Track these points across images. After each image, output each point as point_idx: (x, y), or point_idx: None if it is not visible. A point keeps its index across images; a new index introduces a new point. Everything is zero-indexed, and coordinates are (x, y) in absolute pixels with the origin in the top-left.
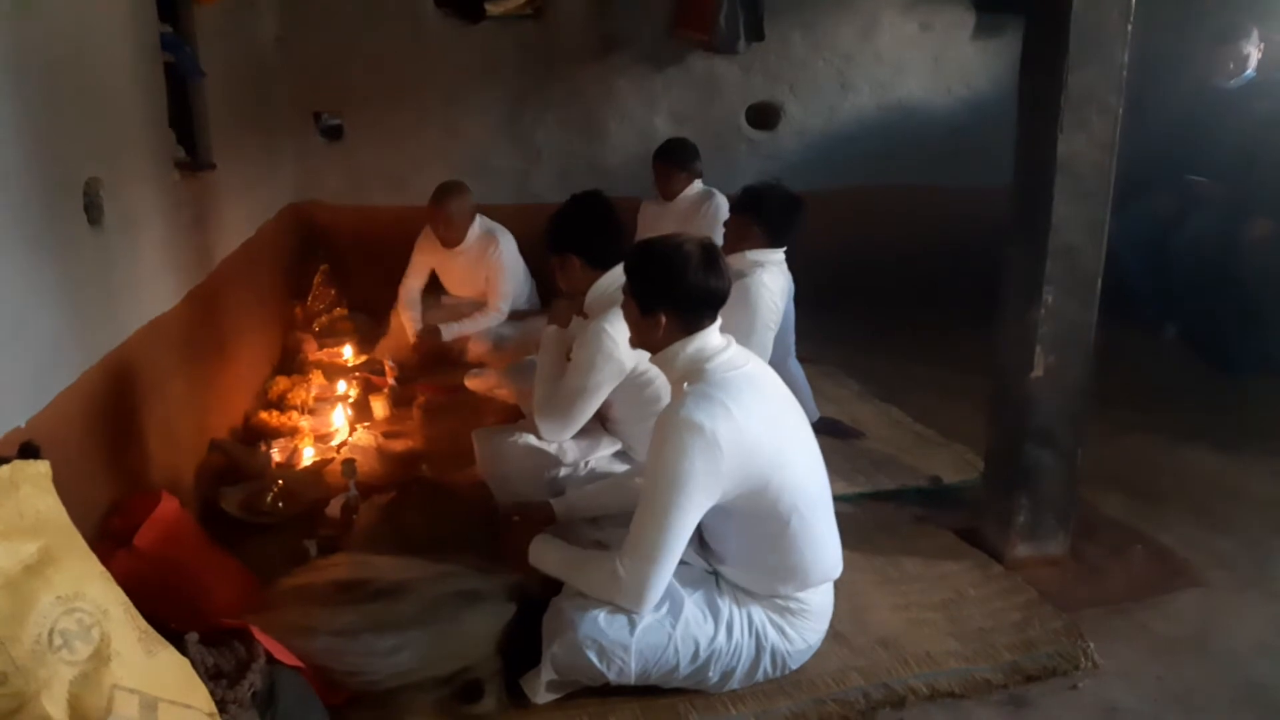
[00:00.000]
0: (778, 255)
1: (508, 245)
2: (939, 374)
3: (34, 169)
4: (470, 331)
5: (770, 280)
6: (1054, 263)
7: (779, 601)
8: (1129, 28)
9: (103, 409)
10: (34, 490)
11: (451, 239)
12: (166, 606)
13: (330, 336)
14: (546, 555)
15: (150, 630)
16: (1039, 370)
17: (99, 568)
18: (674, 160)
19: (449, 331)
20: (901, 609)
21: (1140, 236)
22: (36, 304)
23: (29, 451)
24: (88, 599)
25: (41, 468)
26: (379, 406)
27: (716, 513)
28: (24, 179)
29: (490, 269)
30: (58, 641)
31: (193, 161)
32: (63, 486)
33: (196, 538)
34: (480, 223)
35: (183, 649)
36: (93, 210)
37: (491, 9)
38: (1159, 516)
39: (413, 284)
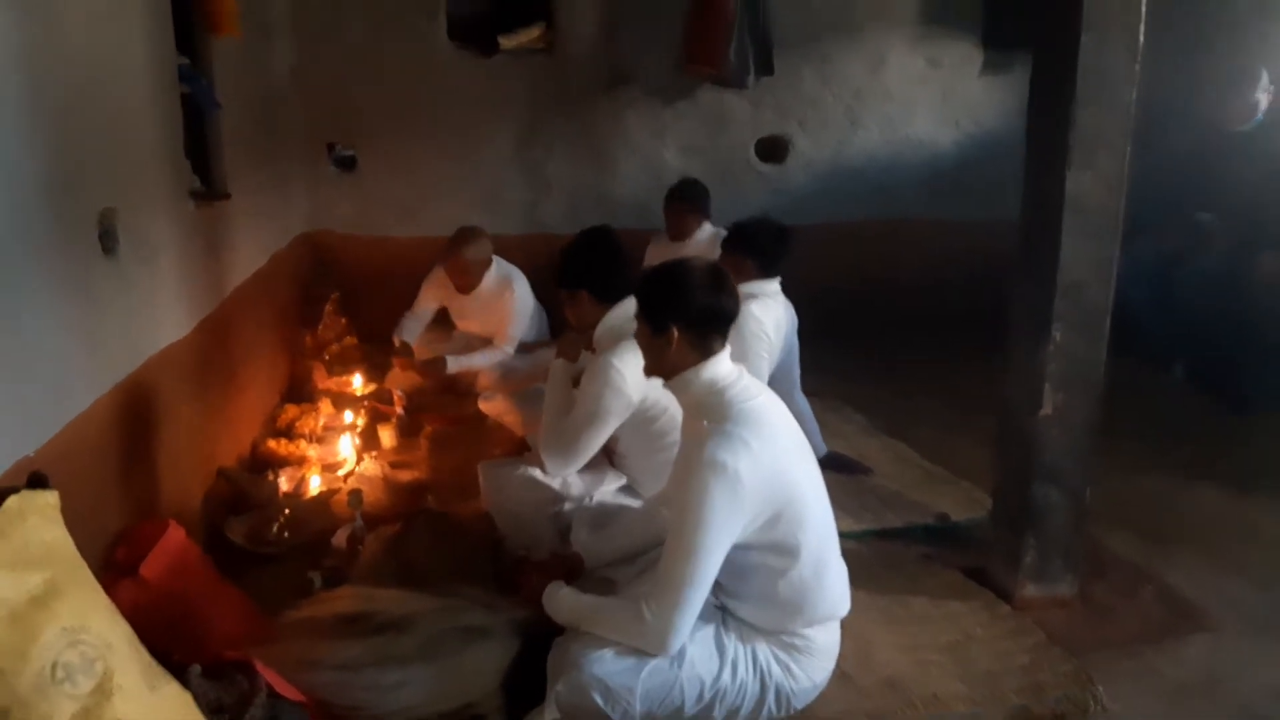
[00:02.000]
0: (771, 286)
1: (522, 290)
2: (947, 409)
3: (49, 199)
4: (476, 366)
5: (760, 311)
6: (1062, 300)
7: (785, 638)
8: (1137, 67)
9: (113, 437)
10: (41, 521)
11: (467, 285)
12: (171, 637)
13: (340, 365)
14: (561, 603)
15: (154, 664)
16: (1047, 408)
17: (104, 600)
18: (688, 201)
19: (455, 364)
20: (908, 650)
21: (1148, 273)
22: (49, 333)
23: (37, 481)
24: (92, 632)
25: (50, 498)
26: (387, 436)
27: (732, 547)
28: (39, 209)
29: (503, 314)
30: (60, 675)
31: (207, 191)
32: (72, 515)
33: (202, 568)
34: (497, 266)
35: (185, 681)
36: (107, 239)
37: (505, 42)
38: (1169, 557)
39: (416, 317)
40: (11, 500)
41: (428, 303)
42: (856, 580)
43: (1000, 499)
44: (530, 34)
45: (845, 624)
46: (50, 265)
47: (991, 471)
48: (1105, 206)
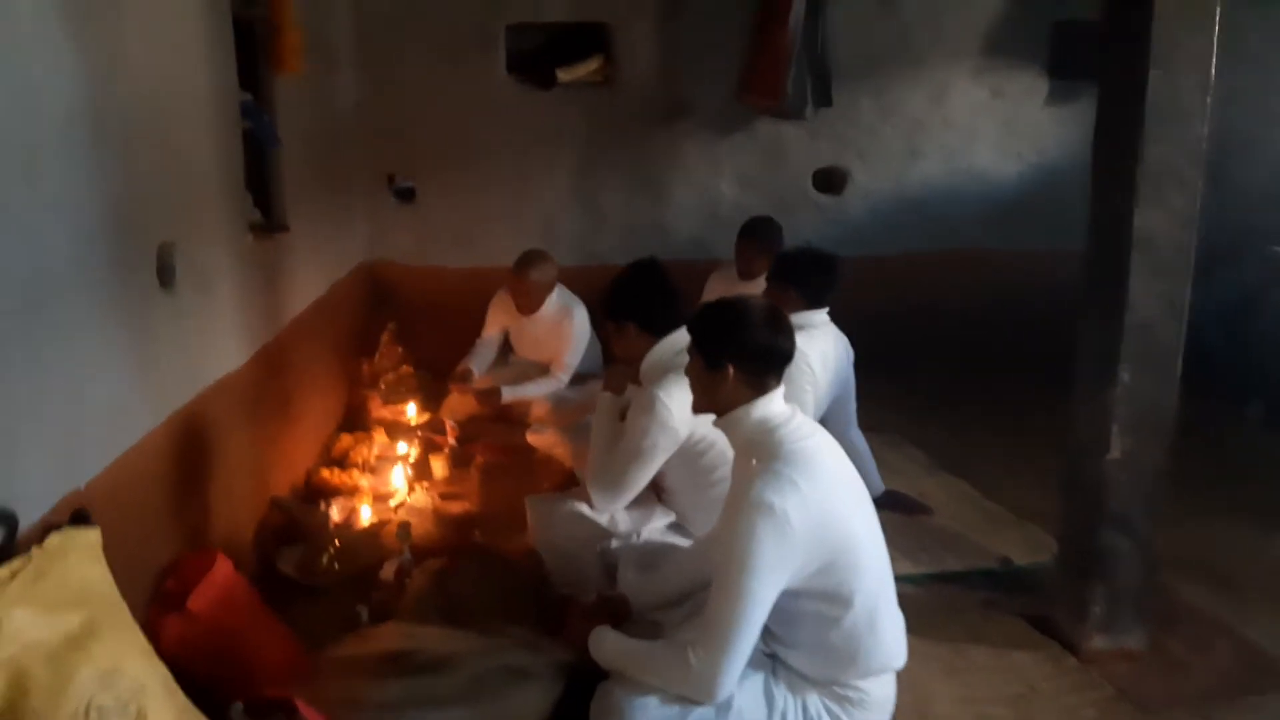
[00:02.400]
0: (820, 317)
1: (581, 319)
2: (1011, 446)
3: (109, 233)
4: (530, 396)
5: (804, 344)
6: (1130, 340)
7: (837, 690)
8: (1208, 100)
9: (165, 468)
10: (82, 559)
11: (528, 307)
12: (215, 672)
13: (395, 394)
14: (607, 647)
15: (189, 707)
16: (1115, 452)
17: (141, 641)
18: (763, 242)
19: (509, 393)
20: (967, 702)
21: (1225, 309)
22: (103, 365)
23: (80, 518)
24: (127, 674)
25: (92, 536)
26: (438, 466)
27: (781, 594)
28: (98, 243)
29: (561, 340)
30: (94, 717)
31: (267, 224)
32: (121, 547)
33: (249, 601)
34: (559, 293)
35: (227, 718)
36: (165, 273)
37: (562, 76)
38: (1246, 608)
39: (485, 344)
40: (53, 538)
41: (493, 326)
42: (914, 627)
43: (1066, 546)
44: (588, 67)
45: (901, 674)
46: (107, 298)
47: (1057, 515)
48: (1176, 243)
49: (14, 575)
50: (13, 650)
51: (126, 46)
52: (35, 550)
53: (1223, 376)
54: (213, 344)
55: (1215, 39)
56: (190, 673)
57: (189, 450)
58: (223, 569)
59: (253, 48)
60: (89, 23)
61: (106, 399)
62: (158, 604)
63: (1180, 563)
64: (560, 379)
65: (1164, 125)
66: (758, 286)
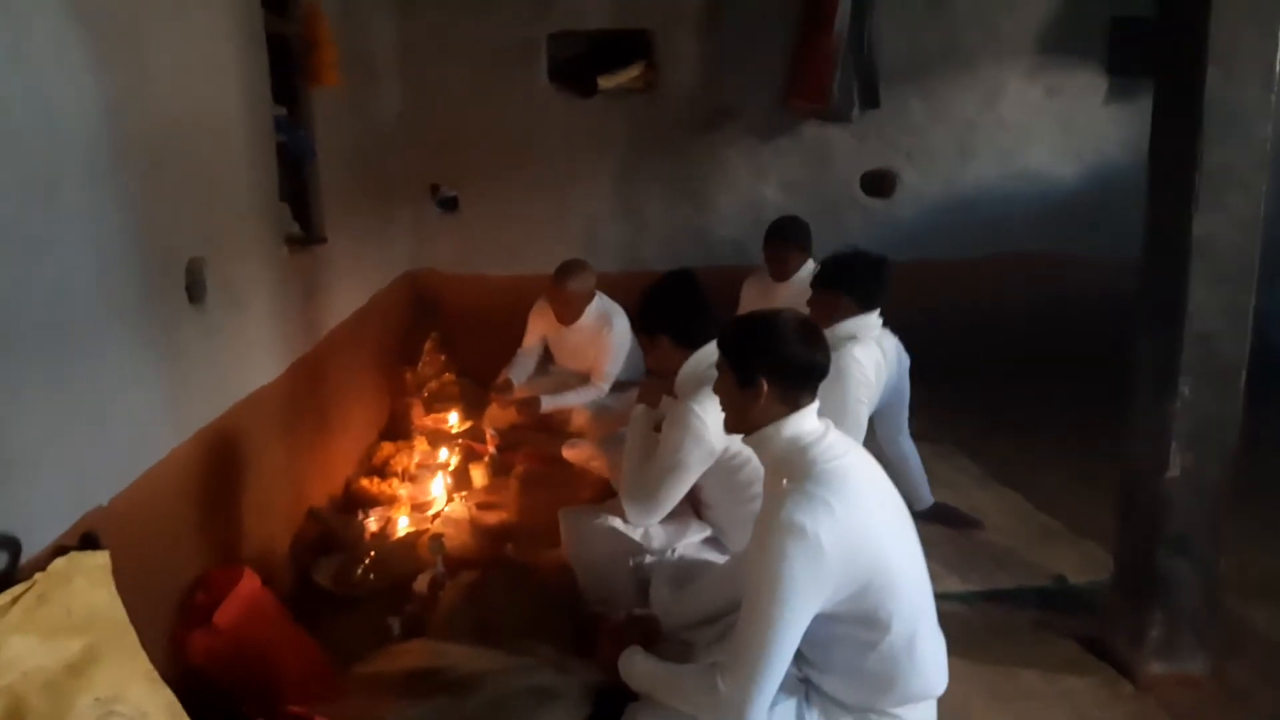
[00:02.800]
0: (872, 322)
1: (621, 327)
2: (1068, 458)
3: (136, 249)
4: (569, 405)
5: (862, 354)
6: (1190, 352)
7: (874, 717)
8: (1272, 98)
9: (195, 482)
10: (88, 583)
11: (568, 317)
12: (241, 686)
13: (437, 402)
14: (636, 669)
15: None
16: (1174, 470)
17: (145, 666)
18: (792, 239)
19: (549, 403)
20: None
21: None
22: (129, 381)
23: (89, 541)
24: (128, 701)
25: (99, 559)
26: (478, 475)
27: (815, 618)
28: (125, 259)
29: (601, 349)
30: None
31: (305, 236)
32: (146, 562)
33: (276, 616)
34: (599, 302)
35: None
36: (195, 289)
37: (604, 83)
38: None
39: (527, 353)
40: (58, 562)
41: (534, 336)
42: (961, 648)
43: (1123, 567)
44: (629, 74)
45: (946, 698)
46: (133, 316)
47: (1115, 531)
48: (1238, 250)
49: (15, 601)
50: (10, 678)
51: (150, 67)
52: (39, 576)
53: None
54: (245, 358)
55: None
56: (217, 686)
57: (219, 464)
58: (250, 584)
59: (289, 62)
60: (108, 45)
61: (131, 416)
62: (185, 618)
63: (1248, 585)
64: (600, 388)
65: (1224, 126)
66: (793, 288)
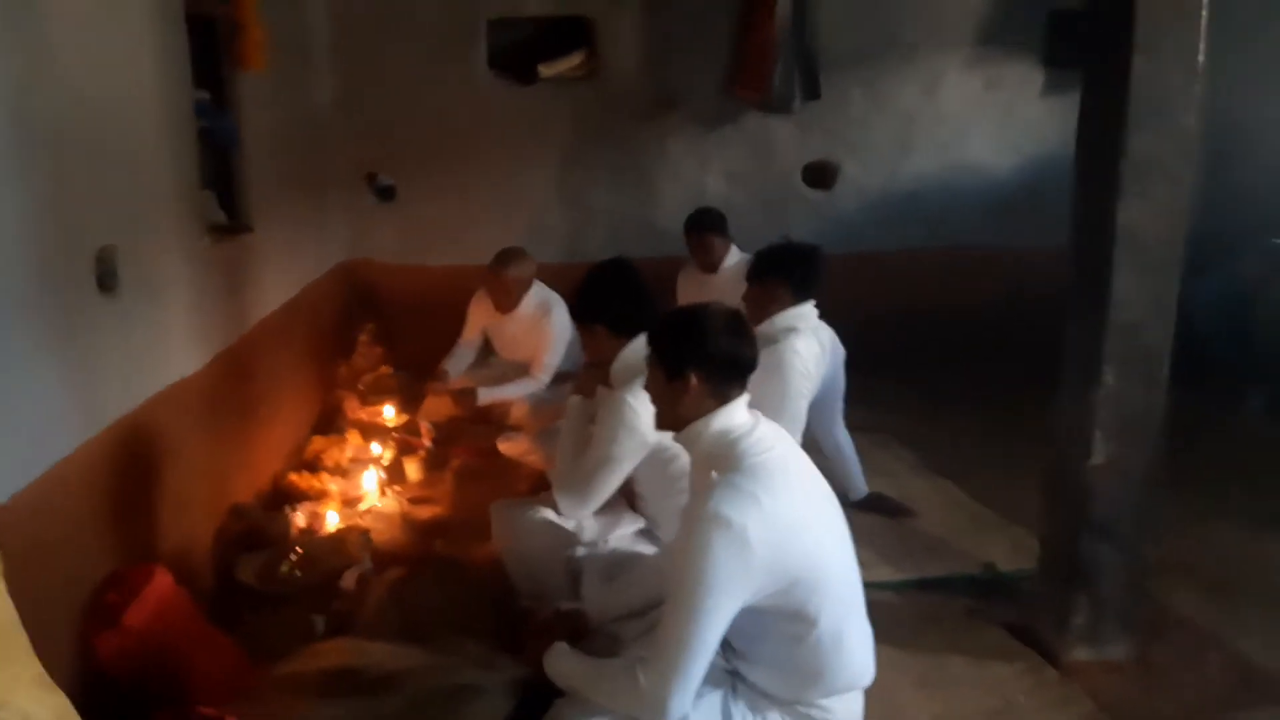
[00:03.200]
0: (808, 312)
1: (560, 316)
2: (1004, 448)
3: (39, 238)
4: (507, 397)
5: (803, 346)
6: (1114, 340)
7: (801, 709)
8: (1197, 89)
9: (107, 477)
10: None
11: (506, 305)
12: (152, 687)
13: (373, 395)
14: (560, 666)
15: None
16: (1098, 458)
17: (34, 671)
18: (711, 228)
19: (486, 394)
20: (942, 718)
21: (1223, 301)
22: (32, 375)
23: None
24: (11, 707)
25: None
26: (412, 469)
27: (743, 610)
28: (27, 248)
29: (540, 339)
30: None
31: (230, 225)
32: (51, 560)
33: (189, 616)
34: (538, 290)
35: None
36: (106, 278)
37: (545, 71)
38: (1239, 618)
39: (467, 345)
40: None
41: (473, 328)
42: (891, 636)
43: (1048, 553)
44: (571, 62)
45: (874, 687)
46: (37, 304)
47: (1041, 523)
48: (1163, 239)
49: None
50: None
51: (52, 48)
52: None
53: (1221, 370)
54: (163, 349)
55: (1204, 24)
56: (127, 688)
57: (133, 459)
58: (162, 582)
59: (214, 45)
60: (7, 18)
61: (33, 410)
62: (94, 618)
63: (1171, 569)
64: (540, 379)
65: (1149, 115)
66: (724, 277)
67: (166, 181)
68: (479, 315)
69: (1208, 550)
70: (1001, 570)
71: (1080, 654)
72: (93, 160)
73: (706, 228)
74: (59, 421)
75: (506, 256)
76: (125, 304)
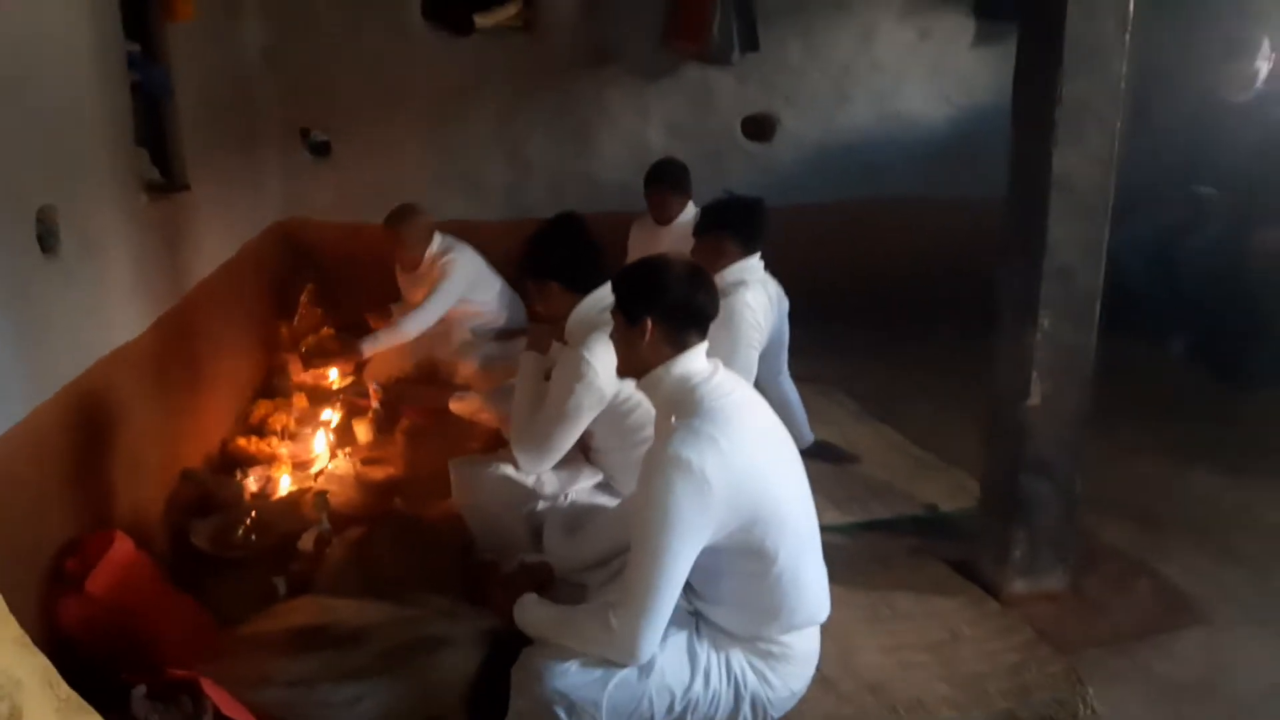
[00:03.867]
0: (755, 264)
1: (455, 260)
2: (941, 392)
3: None
4: (390, 343)
5: (753, 298)
6: (1049, 285)
7: (761, 645)
8: (1127, 38)
9: (58, 444)
10: None
11: (409, 262)
12: (119, 653)
13: (316, 358)
14: (530, 615)
15: (73, 698)
16: (1035, 398)
17: (14, 632)
18: (671, 183)
19: (369, 344)
20: (892, 650)
21: (1147, 248)
22: None
23: None
24: None
25: None
26: (362, 431)
27: (703, 550)
28: None
29: (434, 275)
30: None
31: (165, 182)
32: (8, 528)
33: (152, 580)
34: (440, 241)
35: (127, 703)
36: (47, 239)
37: (481, 21)
38: (1164, 546)
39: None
40: None
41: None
42: (840, 576)
43: (988, 491)
44: (507, 12)
45: (826, 624)
46: None
47: (981, 462)
48: (1095, 185)
49: None
50: None
51: None
52: None
53: (1147, 315)
54: (107, 312)
55: None
56: (92, 655)
57: (85, 424)
58: (123, 548)
59: None
60: None
61: None
62: (57, 585)
63: (1103, 503)
64: (424, 310)
65: (1082, 63)
66: (676, 231)
67: (102, 137)
68: (398, 275)
69: (1134, 484)
70: (943, 510)
71: (1019, 586)
72: (26, 114)
73: (663, 179)
74: (9, 387)
75: (397, 214)
76: (68, 265)
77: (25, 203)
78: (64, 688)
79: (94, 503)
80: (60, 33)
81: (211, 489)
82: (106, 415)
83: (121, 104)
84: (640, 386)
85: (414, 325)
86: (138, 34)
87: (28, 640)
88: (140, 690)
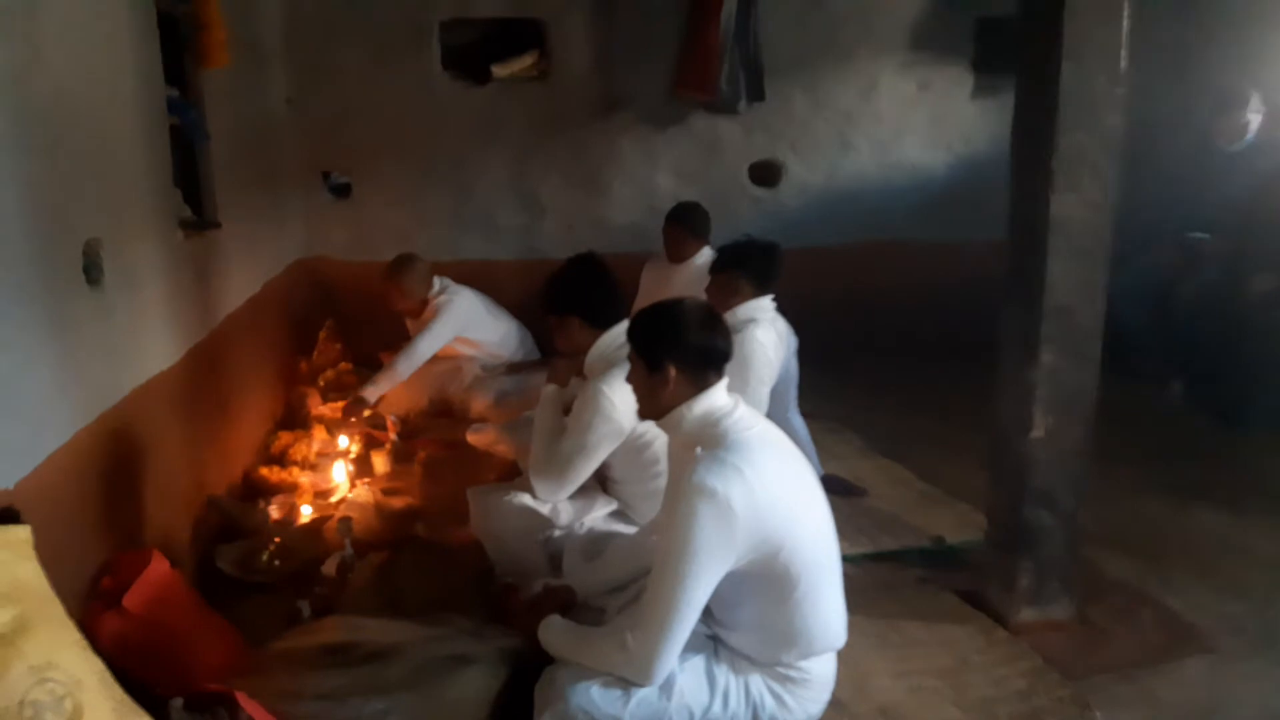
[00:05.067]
0: (767, 305)
1: (454, 298)
2: (943, 430)
3: (31, 230)
4: (388, 382)
5: (763, 335)
6: (1050, 323)
7: (780, 669)
8: (1119, 91)
9: (97, 468)
10: (12, 556)
11: (411, 310)
12: (154, 669)
13: (334, 391)
14: (554, 635)
15: (126, 700)
16: (1038, 431)
17: (75, 635)
18: (688, 225)
19: (372, 391)
20: (903, 676)
21: (1143, 292)
22: (29, 365)
23: (9, 516)
24: (61, 669)
25: (21, 533)
26: (380, 462)
27: (724, 577)
28: (18, 242)
29: (429, 314)
30: (29, 713)
31: (198, 220)
32: (51, 547)
33: (186, 598)
34: (437, 284)
35: (166, 715)
36: (92, 271)
37: (498, 71)
38: (1166, 578)
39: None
40: None
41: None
42: (850, 604)
43: (994, 522)
44: (523, 63)
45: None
46: (31, 297)
47: (986, 494)
48: (1091, 229)
49: None
50: None
51: (44, 42)
52: None
53: (1142, 359)
54: (143, 342)
55: (1125, 31)
56: (128, 671)
57: (120, 450)
58: (159, 567)
59: (178, 43)
60: None
61: (33, 398)
62: (94, 602)
63: (1105, 537)
64: (412, 349)
65: (1077, 115)
66: (688, 271)
67: (144, 175)
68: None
69: (1136, 520)
70: (949, 542)
71: (1026, 615)
72: (79, 152)
73: (680, 221)
74: (56, 411)
75: (395, 265)
76: (110, 297)
77: (74, 235)
78: (118, 689)
79: (127, 525)
80: (110, 73)
81: (235, 516)
82: (140, 441)
83: (162, 145)
84: (661, 426)
85: (405, 364)
86: (176, 79)
87: (86, 644)
88: (178, 702)
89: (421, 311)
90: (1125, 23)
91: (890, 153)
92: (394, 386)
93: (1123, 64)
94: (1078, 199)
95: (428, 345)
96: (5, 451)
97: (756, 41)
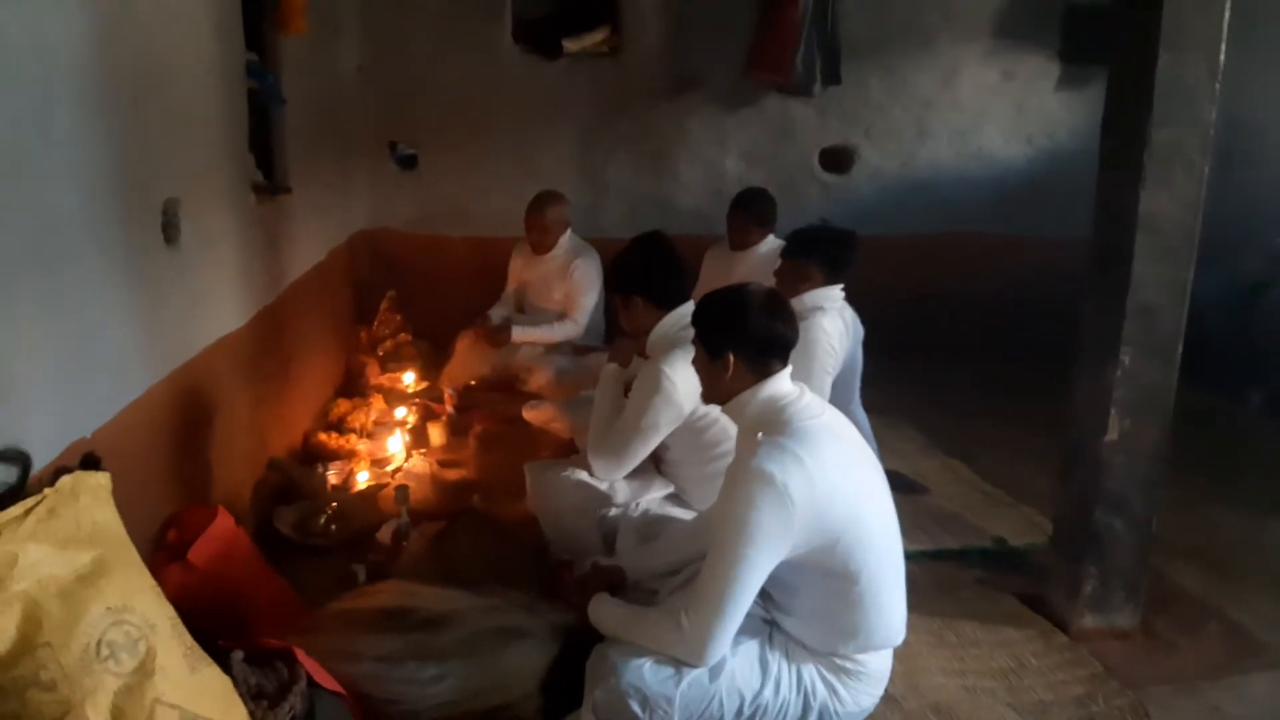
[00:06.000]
0: (836, 294)
1: (589, 264)
2: (1010, 431)
3: (115, 187)
4: (541, 337)
5: (829, 324)
6: (1132, 323)
7: (836, 660)
8: (1217, 86)
9: (167, 423)
10: (93, 501)
11: (543, 245)
12: (215, 622)
13: (393, 361)
14: (605, 614)
15: (196, 647)
16: (1114, 434)
17: (150, 581)
18: (755, 213)
19: (520, 333)
20: (958, 675)
21: (1226, 299)
22: (109, 318)
23: (90, 463)
24: (136, 612)
25: (102, 479)
26: (436, 434)
27: (783, 564)
28: (104, 196)
29: (571, 283)
30: (105, 652)
31: (269, 185)
32: (123, 497)
33: (249, 556)
34: (570, 238)
35: (227, 666)
36: (170, 229)
37: (569, 46)
38: (1236, 592)
39: (507, 294)
40: (65, 480)
41: (513, 280)
42: (908, 602)
43: (1061, 525)
44: (594, 38)
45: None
46: (113, 252)
47: (1053, 497)
48: (1181, 227)
49: (28, 513)
50: (27, 584)
51: (129, 4)
52: (48, 491)
53: (1224, 366)
54: (215, 302)
55: (1225, 23)
56: (190, 623)
57: (189, 406)
58: (224, 523)
59: (258, 8)
60: None
61: (112, 350)
62: (160, 554)
63: (1175, 546)
64: (577, 321)
65: (1172, 108)
66: (754, 258)
67: (221, 138)
68: (517, 267)
69: (1209, 531)
70: (1012, 544)
71: (1089, 621)
72: (162, 112)
73: (746, 208)
74: (132, 364)
75: (544, 197)
76: (185, 255)
77: (154, 194)
78: (188, 636)
79: (193, 480)
80: (192, 36)
81: (295, 478)
82: (208, 399)
83: (240, 108)
84: (726, 411)
85: (564, 331)
86: (255, 44)
87: (160, 590)
88: (239, 654)
89: (548, 251)
90: (1226, 12)
91: (969, 142)
92: (544, 339)
93: (1221, 55)
94: (1169, 196)
95: (583, 315)
96: (87, 400)
97: (834, 23)
